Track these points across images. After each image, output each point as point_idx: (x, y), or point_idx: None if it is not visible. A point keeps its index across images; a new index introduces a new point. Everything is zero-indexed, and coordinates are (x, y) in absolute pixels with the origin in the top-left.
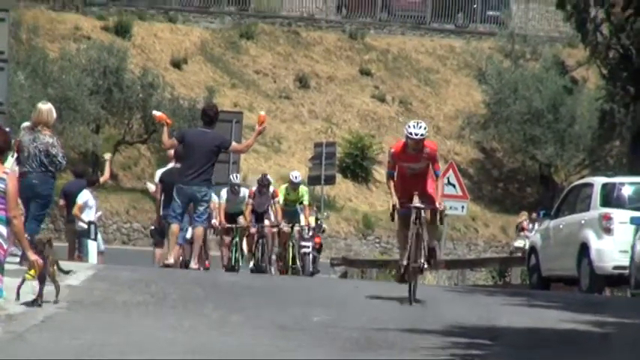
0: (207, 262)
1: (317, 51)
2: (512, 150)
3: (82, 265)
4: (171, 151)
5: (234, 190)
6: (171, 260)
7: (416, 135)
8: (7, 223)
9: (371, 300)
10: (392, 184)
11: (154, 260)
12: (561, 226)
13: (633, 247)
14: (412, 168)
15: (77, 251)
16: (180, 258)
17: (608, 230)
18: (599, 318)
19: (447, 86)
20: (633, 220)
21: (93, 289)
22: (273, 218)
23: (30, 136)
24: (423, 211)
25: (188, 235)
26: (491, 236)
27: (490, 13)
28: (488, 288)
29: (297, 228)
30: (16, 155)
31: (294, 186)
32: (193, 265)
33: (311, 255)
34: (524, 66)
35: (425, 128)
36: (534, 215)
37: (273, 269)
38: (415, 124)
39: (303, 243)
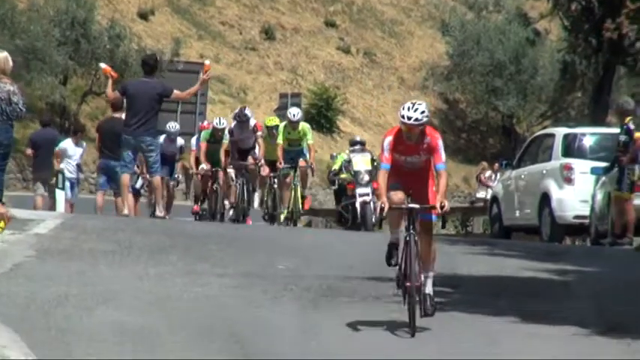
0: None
1: (282, 2)
2: (474, 101)
3: (51, 214)
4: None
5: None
6: (125, 211)
7: (409, 119)
8: None
9: (334, 249)
10: (385, 180)
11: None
12: (523, 176)
13: (594, 197)
14: (410, 162)
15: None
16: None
17: (569, 180)
18: (559, 267)
19: (411, 38)
20: (594, 171)
21: (61, 238)
22: (258, 154)
23: None
24: (417, 215)
25: (137, 185)
26: (454, 186)
27: None
28: (451, 237)
29: (307, 166)
30: None
31: (293, 124)
32: (158, 212)
33: (372, 204)
34: (487, 18)
35: (423, 112)
36: (497, 165)
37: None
38: (410, 106)
39: (361, 190)
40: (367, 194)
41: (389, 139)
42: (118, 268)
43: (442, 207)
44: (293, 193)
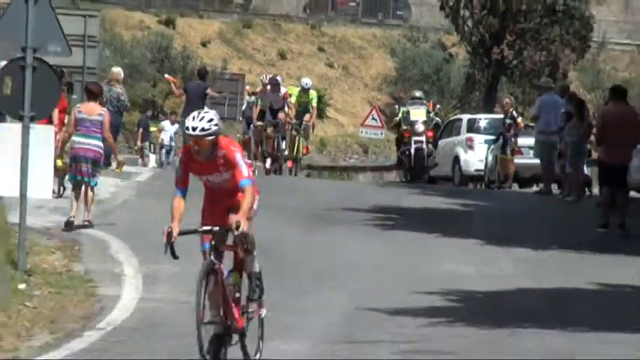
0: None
1: (291, 36)
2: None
3: (146, 169)
4: (183, 96)
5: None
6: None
7: (194, 130)
8: (103, 140)
9: (325, 190)
10: (178, 207)
11: None
12: (443, 145)
13: (486, 158)
14: (216, 183)
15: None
16: None
17: (471, 147)
18: (464, 201)
19: (371, 58)
20: (486, 141)
21: (153, 185)
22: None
23: (106, 88)
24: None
25: None
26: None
27: (399, 12)
28: (398, 183)
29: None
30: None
31: (305, 91)
32: None
33: (425, 150)
34: (419, 46)
35: (211, 120)
36: None
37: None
38: (196, 115)
39: (416, 138)
40: (421, 142)
41: (182, 156)
42: (188, 203)
43: (237, 227)
44: (297, 141)
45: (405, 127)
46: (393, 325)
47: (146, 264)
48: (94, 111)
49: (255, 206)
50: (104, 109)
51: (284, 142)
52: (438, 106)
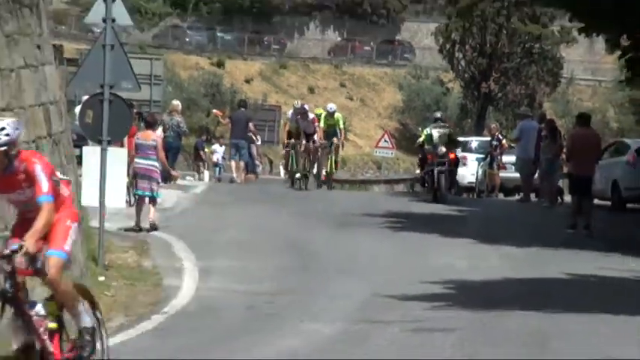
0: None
1: (318, 74)
2: (416, 124)
3: (202, 183)
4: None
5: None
6: (237, 180)
7: None
8: (157, 160)
9: (346, 199)
10: None
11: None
12: None
13: (477, 172)
14: (22, 202)
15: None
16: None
17: (464, 164)
18: (459, 207)
19: (383, 92)
20: (477, 159)
21: (208, 195)
22: (317, 138)
23: (168, 117)
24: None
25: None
26: (407, 167)
27: (405, 55)
28: (405, 193)
29: (335, 141)
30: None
31: (330, 115)
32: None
33: (444, 174)
34: (422, 82)
35: (2, 130)
36: None
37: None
38: None
39: (439, 160)
40: (443, 164)
41: None
42: (235, 209)
43: (21, 248)
44: (330, 159)
45: (427, 148)
46: (402, 309)
47: (202, 260)
48: (149, 137)
49: None
50: (158, 135)
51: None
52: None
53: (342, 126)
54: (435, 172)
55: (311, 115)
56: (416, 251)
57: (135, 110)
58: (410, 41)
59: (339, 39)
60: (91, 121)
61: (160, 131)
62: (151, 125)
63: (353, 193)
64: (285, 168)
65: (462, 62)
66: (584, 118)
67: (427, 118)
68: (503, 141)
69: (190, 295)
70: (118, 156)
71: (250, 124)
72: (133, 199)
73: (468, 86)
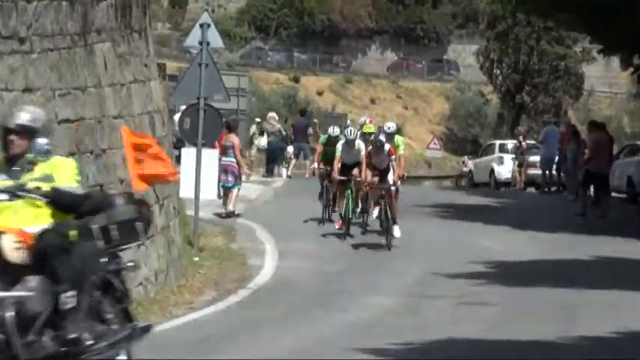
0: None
1: (378, 88)
2: (460, 129)
3: (280, 178)
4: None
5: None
6: (307, 175)
7: None
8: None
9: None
10: None
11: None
12: (482, 161)
13: (512, 170)
14: None
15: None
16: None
17: (501, 162)
18: (498, 199)
19: (433, 102)
20: (512, 159)
21: (285, 188)
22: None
23: (269, 125)
24: None
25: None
26: (452, 166)
27: (451, 71)
28: (451, 188)
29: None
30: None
31: (388, 136)
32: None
33: None
34: (466, 94)
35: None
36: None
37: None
38: None
39: None
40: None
41: None
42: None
43: None
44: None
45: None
46: (450, 285)
47: (280, 243)
48: (228, 139)
49: None
50: (236, 137)
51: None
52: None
53: (402, 151)
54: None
55: (387, 147)
56: (461, 236)
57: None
58: (455, 60)
59: (396, 58)
60: (188, 127)
61: (265, 137)
62: (231, 129)
63: (407, 188)
64: (329, 205)
65: (500, 77)
66: (598, 125)
67: (470, 125)
68: (522, 143)
69: (270, 273)
70: (210, 156)
71: (309, 129)
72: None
73: (505, 97)
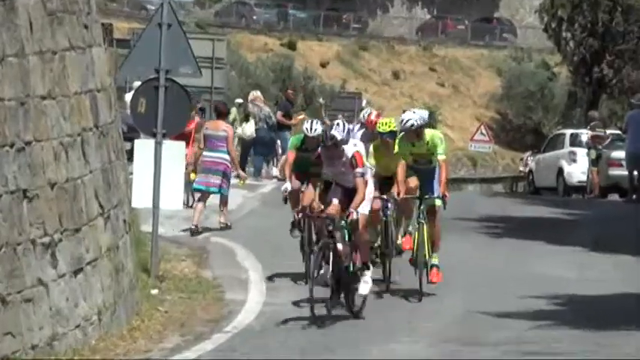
0: None
1: (404, 57)
2: (517, 114)
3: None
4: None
5: None
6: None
7: None
8: (227, 153)
9: None
10: None
11: None
12: (547, 158)
13: (589, 170)
14: None
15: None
16: None
17: (574, 160)
18: (568, 210)
19: (479, 77)
20: (587, 154)
21: (273, 195)
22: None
23: (256, 108)
24: None
25: None
26: (506, 164)
27: (505, 35)
28: (504, 194)
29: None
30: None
31: (415, 133)
32: None
33: None
34: (524, 66)
35: None
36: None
37: None
38: None
39: None
40: None
41: None
42: None
43: None
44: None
45: None
46: (501, 327)
47: (269, 269)
48: (219, 127)
49: None
50: (228, 125)
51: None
52: None
53: (441, 154)
54: None
55: (347, 148)
56: (516, 260)
57: (199, 105)
58: (510, 19)
59: (428, 16)
60: (144, 111)
61: (251, 123)
62: (222, 115)
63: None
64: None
65: (571, 43)
66: None
67: (530, 108)
68: (601, 132)
69: (256, 310)
70: (175, 151)
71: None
72: (191, 200)
73: (578, 71)
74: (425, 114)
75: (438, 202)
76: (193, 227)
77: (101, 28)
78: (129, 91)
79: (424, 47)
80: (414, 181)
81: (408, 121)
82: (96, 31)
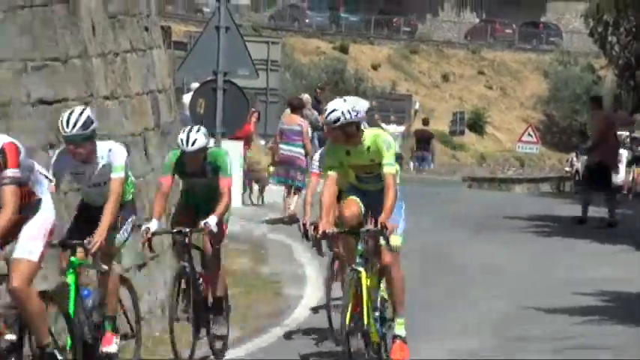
0: None
1: (453, 61)
2: (563, 116)
3: None
4: None
5: None
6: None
7: None
8: (303, 147)
9: (486, 200)
10: None
11: None
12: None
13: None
14: None
15: None
16: None
17: (621, 161)
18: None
19: (526, 80)
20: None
21: None
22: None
23: (308, 111)
24: None
25: None
26: (552, 164)
27: (551, 39)
28: (551, 194)
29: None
30: None
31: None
32: None
33: None
34: (570, 69)
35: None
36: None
37: None
38: None
39: None
40: None
41: None
42: None
43: None
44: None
45: None
46: (550, 323)
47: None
48: (294, 121)
49: None
50: (303, 119)
51: None
52: None
53: (388, 164)
54: None
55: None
56: (564, 259)
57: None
58: (557, 23)
59: (477, 20)
60: (202, 112)
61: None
62: (295, 109)
63: (492, 194)
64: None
65: (616, 47)
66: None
67: (577, 111)
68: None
69: (313, 306)
70: (232, 150)
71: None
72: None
73: (623, 74)
74: (363, 105)
75: (397, 241)
76: (289, 215)
77: (160, 30)
78: (186, 92)
79: (473, 50)
80: (352, 206)
81: (332, 112)
82: (156, 34)
